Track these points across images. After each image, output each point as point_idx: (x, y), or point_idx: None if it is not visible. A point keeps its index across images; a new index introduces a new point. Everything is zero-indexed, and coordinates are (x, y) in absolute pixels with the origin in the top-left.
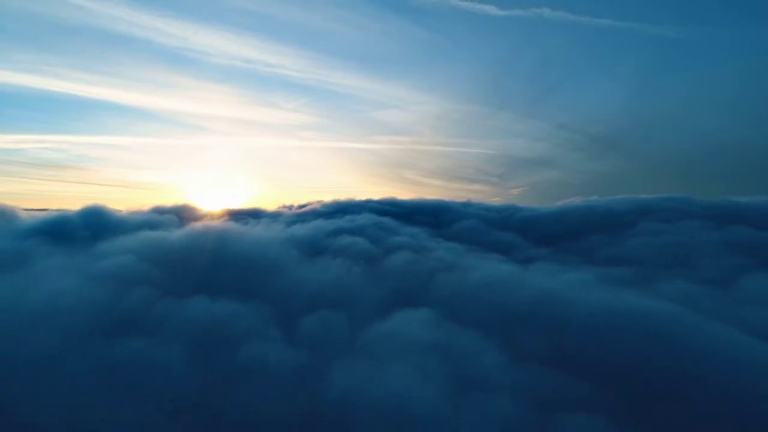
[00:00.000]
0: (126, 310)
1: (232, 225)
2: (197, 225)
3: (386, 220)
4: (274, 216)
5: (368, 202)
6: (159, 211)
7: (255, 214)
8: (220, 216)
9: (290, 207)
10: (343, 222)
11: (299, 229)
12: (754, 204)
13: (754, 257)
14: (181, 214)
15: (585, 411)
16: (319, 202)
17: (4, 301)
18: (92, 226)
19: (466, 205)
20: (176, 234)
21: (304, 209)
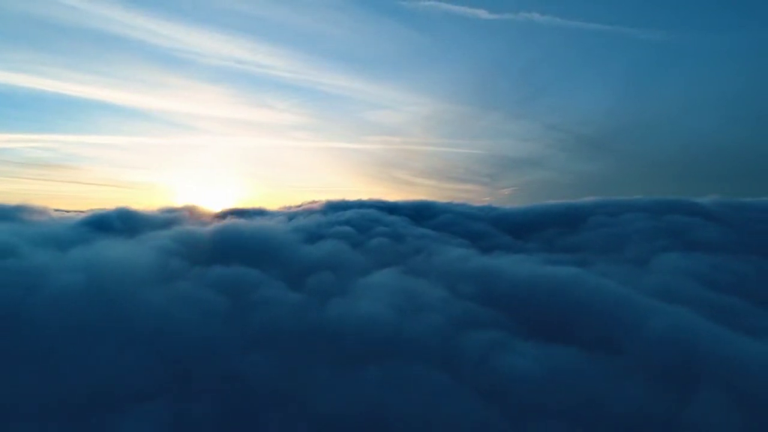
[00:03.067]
0: (170, 270)
1: (242, 220)
2: (211, 220)
3: (372, 212)
4: (276, 214)
5: (357, 202)
6: (169, 210)
7: (259, 213)
8: (227, 214)
9: (289, 208)
10: (335, 217)
11: (299, 221)
12: (704, 201)
13: (676, 239)
14: (190, 213)
15: (495, 329)
16: (314, 201)
17: (88, 261)
18: (126, 221)
19: (448, 204)
20: (197, 226)
21: (300, 208)
